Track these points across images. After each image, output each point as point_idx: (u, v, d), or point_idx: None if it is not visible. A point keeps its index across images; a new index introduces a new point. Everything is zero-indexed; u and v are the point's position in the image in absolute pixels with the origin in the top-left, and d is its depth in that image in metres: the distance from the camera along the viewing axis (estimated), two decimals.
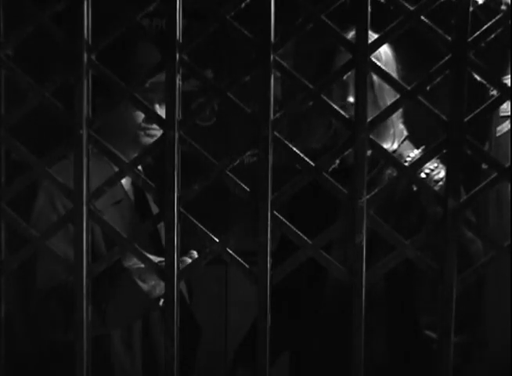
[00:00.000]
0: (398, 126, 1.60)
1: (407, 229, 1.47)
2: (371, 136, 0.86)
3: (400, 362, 1.58)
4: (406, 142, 1.61)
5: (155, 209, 1.66)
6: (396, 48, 1.60)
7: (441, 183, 1.51)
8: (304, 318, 1.64)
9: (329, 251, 1.33)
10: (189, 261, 1.28)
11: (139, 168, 1.62)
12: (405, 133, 1.62)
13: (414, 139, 1.64)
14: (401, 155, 1.58)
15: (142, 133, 1.55)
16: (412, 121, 1.62)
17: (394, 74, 1.55)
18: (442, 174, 1.54)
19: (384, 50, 1.55)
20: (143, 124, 1.54)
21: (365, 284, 0.87)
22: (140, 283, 1.37)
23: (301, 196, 1.64)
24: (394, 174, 1.54)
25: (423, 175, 1.53)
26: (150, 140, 1.54)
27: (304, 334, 1.66)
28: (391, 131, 1.58)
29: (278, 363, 1.68)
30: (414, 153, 1.59)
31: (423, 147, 1.59)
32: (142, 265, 1.35)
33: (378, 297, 1.53)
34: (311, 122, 1.65)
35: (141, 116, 1.53)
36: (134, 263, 1.36)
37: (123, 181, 1.58)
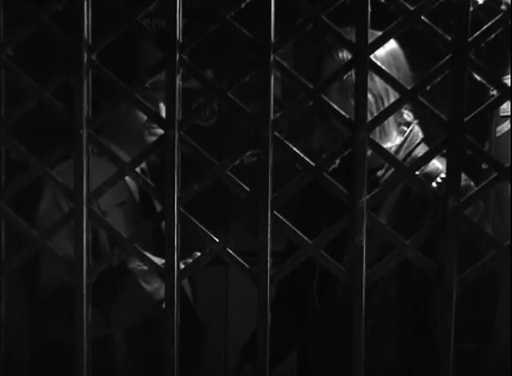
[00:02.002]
0: (398, 118, 1.59)
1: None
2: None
3: (413, 367, 1.57)
4: (422, 145, 1.60)
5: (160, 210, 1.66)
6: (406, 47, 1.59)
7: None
8: (313, 318, 1.64)
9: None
10: None
11: (144, 166, 1.63)
12: (421, 135, 1.61)
13: (429, 142, 1.62)
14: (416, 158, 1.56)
15: (147, 132, 1.56)
16: (428, 125, 1.61)
17: (408, 74, 1.54)
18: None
19: (395, 52, 1.54)
20: (147, 123, 1.54)
21: (365, 284, 0.87)
22: (144, 285, 1.37)
23: (307, 196, 1.64)
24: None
25: (438, 180, 1.51)
26: (155, 139, 1.54)
27: (311, 334, 1.66)
28: (392, 126, 1.57)
29: (286, 362, 1.69)
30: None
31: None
32: (147, 267, 1.35)
33: (391, 301, 1.52)
34: (312, 123, 1.64)
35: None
36: (138, 265, 1.36)
37: (128, 181, 1.58)
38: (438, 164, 1.49)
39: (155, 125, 1.54)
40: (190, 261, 1.28)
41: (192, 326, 1.63)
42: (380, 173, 1.54)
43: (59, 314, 1.42)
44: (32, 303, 1.47)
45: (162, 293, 1.39)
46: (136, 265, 1.36)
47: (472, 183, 1.47)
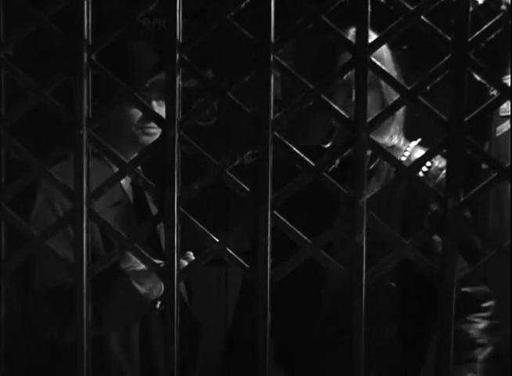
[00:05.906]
0: (399, 121, 1.62)
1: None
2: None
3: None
4: (400, 136, 1.64)
5: (154, 210, 1.66)
6: (395, 48, 1.60)
7: (445, 171, 1.52)
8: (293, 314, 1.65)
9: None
10: (186, 263, 1.28)
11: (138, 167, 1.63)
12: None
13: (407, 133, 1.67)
14: (399, 148, 1.60)
15: (140, 132, 1.55)
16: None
17: (393, 73, 1.56)
18: (444, 162, 1.55)
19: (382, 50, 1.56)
20: (140, 123, 1.54)
21: (365, 284, 0.87)
22: (137, 286, 1.37)
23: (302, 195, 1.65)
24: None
25: (424, 169, 1.55)
26: (149, 139, 1.54)
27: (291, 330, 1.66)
28: (392, 127, 1.60)
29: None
30: (412, 146, 1.62)
31: (419, 140, 1.62)
32: (139, 268, 1.36)
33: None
34: (311, 121, 1.65)
35: (137, 115, 1.53)
36: (131, 266, 1.36)
37: (122, 182, 1.58)
38: None
39: (149, 125, 1.54)
40: (183, 261, 1.29)
41: (187, 325, 1.63)
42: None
43: (53, 315, 1.42)
44: (28, 303, 1.47)
45: (155, 293, 1.40)
46: (129, 265, 1.36)
47: None
